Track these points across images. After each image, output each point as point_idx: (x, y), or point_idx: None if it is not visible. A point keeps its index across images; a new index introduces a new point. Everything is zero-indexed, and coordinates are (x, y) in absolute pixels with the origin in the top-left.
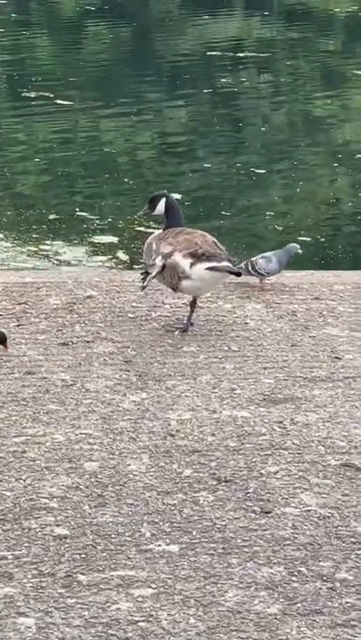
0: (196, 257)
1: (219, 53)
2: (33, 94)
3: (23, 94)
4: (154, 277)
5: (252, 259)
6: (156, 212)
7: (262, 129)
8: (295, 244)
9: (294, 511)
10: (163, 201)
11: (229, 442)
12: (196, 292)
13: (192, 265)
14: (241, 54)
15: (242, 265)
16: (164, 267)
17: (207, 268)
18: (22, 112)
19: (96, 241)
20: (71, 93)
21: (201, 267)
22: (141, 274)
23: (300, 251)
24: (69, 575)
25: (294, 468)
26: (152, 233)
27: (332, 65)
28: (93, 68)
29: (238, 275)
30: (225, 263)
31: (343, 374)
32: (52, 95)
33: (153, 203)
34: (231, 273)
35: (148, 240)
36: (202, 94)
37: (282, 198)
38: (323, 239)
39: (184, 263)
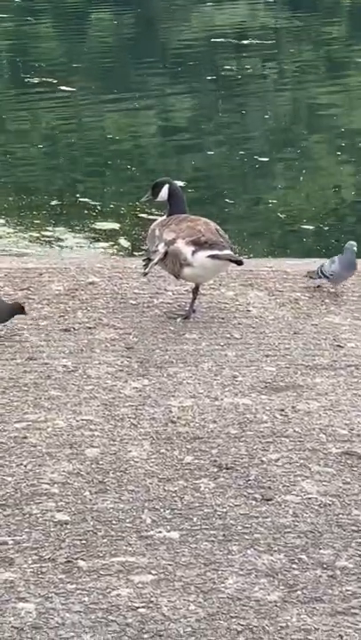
0: (199, 245)
1: (223, 40)
2: (36, 80)
3: (26, 80)
4: (156, 264)
5: (322, 263)
6: (159, 199)
7: (266, 117)
8: (352, 242)
9: (295, 499)
10: (166, 187)
11: (231, 429)
12: (198, 280)
13: (194, 252)
14: (245, 42)
15: (317, 269)
16: (166, 254)
17: (209, 256)
18: (25, 98)
19: (98, 227)
20: (74, 80)
21: (203, 254)
22: (143, 260)
23: (355, 248)
24: (70, 561)
25: (295, 455)
26: (155, 219)
27: (337, 53)
28: (97, 55)
29: (240, 263)
30: (227, 251)
31: (345, 362)
32: (55, 81)
33: (156, 189)
34: (232, 261)
35: (152, 226)
36: (206, 82)
37: (285, 186)
38: (326, 227)
39: (186, 251)
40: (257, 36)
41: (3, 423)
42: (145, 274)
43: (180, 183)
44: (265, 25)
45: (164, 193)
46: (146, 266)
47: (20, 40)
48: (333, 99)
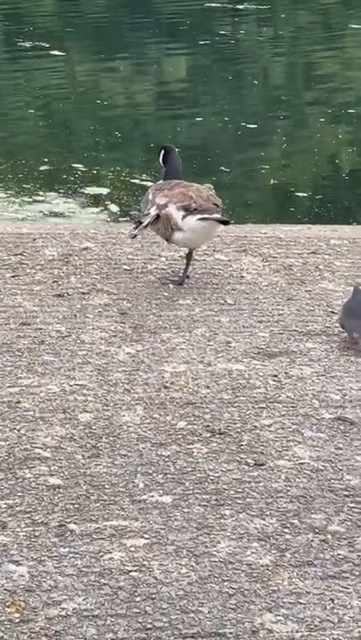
0: (189, 210)
1: (218, 5)
2: (28, 44)
3: (19, 44)
4: (146, 227)
5: None
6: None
7: (261, 82)
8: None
9: (288, 464)
10: (162, 152)
11: (224, 394)
12: (189, 244)
13: (184, 217)
14: (240, 6)
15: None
16: (158, 217)
17: (198, 219)
18: (17, 62)
19: (91, 193)
20: (67, 44)
21: (192, 218)
22: (134, 222)
23: None
24: (62, 525)
25: (288, 421)
26: (148, 185)
27: (333, 18)
28: (90, 19)
29: (227, 223)
30: (215, 215)
31: (338, 329)
32: (47, 45)
33: (158, 153)
34: (219, 222)
35: (148, 190)
36: (200, 46)
37: (279, 152)
38: (320, 193)
39: (176, 215)
40: (252, 1)
41: None
42: (134, 236)
43: None
44: None
45: (160, 157)
46: (136, 228)
47: (11, 3)
48: (329, 64)
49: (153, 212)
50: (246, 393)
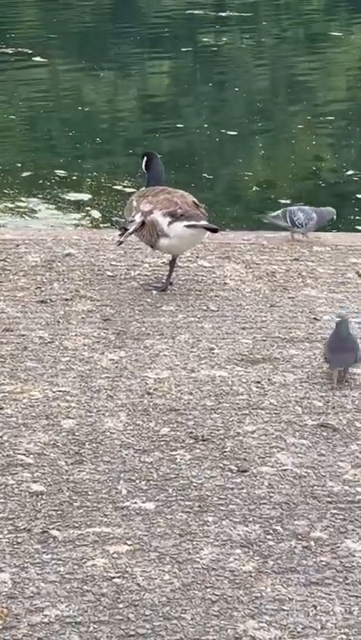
0: (175, 216)
1: (201, 13)
2: (10, 50)
3: (1, 50)
4: (131, 234)
5: (290, 208)
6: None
7: (243, 88)
8: (332, 209)
9: (270, 470)
10: (145, 158)
11: (207, 401)
12: (174, 251)
13: (170, 224)
14: (223, 14)
15: (278, 212)
16: (143, 224)
17: (185, 226)
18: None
19: (74, 199)
20: (51, 51)
21: (179, 225)
22: (119, 229)
23: (335, 217)
24: (45, 531)
25: (271, 427)
26: (131, 191)
27: (315, 26)
28: (74, 26)
29: (215, 231)
30: (203, 222)
31: (321, 335)
32: (30, 52)
33: (141, 159)
34: (208, 229)
35: (131, 197)
36: (183, 53)
37: (262, 158)
38: (302, 200)
39: (162, 221)
40: (235, 9)
41: None
42: (120, 243)
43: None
44: None
45: (143, 163)
46: (121, 235)
47: None
48: (311, 71)
49: (138, 218)
50: (229, 399)
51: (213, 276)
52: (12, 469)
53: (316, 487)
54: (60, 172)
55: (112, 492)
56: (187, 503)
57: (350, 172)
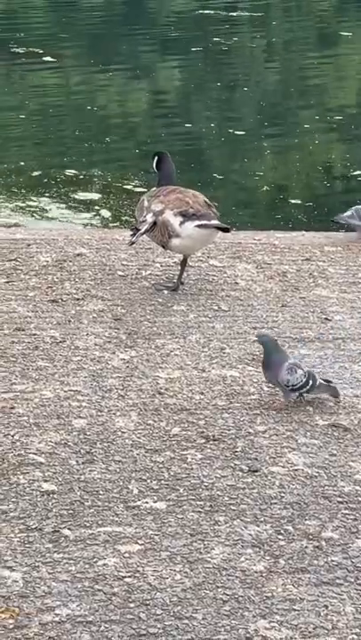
0: (187, 216)
1: (212, 12)
2: (22, 50)
3: (12, 50)
4: (143, 234)
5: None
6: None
7: (255, 89)
8: None
9: (282, 470)
10: (156, 158)
11: (218, 401)
12: (186, 251)
13: (182, 223)
14: (234, 14)
15: (351, 211)
16: (154, 224)
17: (197, 226)
18: (10, 68)
19: (85, 198)
20: (62, 51)
21: (191, 225)
22: (131, 229)
23: None
24: (57, 530)
25: (282, 427)
26: (142, 191)
27: (327, 26)
28: (85, 26)
29: (227, 230)
30: (214, 221)
31: (333, 335)
32: (41, 51)
33: (152, 159)
34: (220, 229)
35: (142, 197)
36: (193, 54)
37: (273, 159)
38: (314, 200)
39: (174, 221)
40: (246, 9)
41: None
42: (132, 243)
43: None
44: None
45: (154, 163)
46: (133, 235)
47: (6, 10)
48: (322, 72)
49: (150, 218)
50: (240, 399)
51: (225, 275)
52: (24, 469)
53: (327, 487)
54: (71, 172)
55: (123, 491)
56: (198, 503)
57: None
